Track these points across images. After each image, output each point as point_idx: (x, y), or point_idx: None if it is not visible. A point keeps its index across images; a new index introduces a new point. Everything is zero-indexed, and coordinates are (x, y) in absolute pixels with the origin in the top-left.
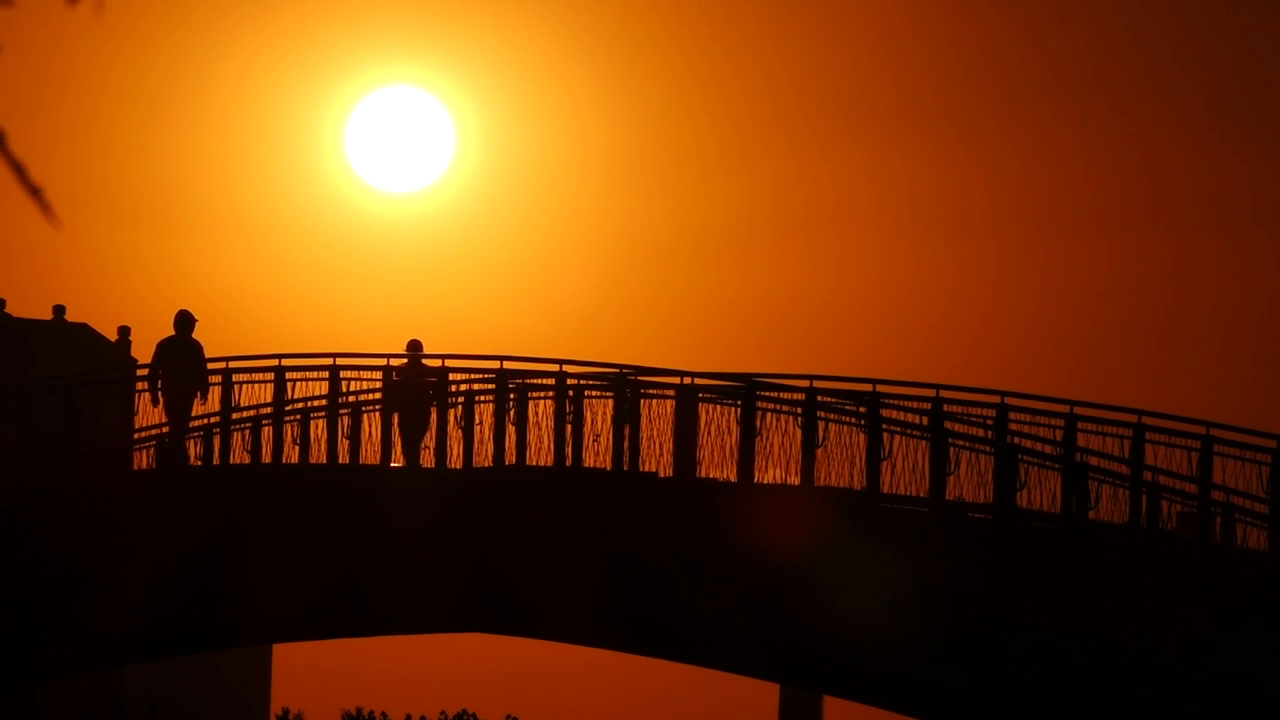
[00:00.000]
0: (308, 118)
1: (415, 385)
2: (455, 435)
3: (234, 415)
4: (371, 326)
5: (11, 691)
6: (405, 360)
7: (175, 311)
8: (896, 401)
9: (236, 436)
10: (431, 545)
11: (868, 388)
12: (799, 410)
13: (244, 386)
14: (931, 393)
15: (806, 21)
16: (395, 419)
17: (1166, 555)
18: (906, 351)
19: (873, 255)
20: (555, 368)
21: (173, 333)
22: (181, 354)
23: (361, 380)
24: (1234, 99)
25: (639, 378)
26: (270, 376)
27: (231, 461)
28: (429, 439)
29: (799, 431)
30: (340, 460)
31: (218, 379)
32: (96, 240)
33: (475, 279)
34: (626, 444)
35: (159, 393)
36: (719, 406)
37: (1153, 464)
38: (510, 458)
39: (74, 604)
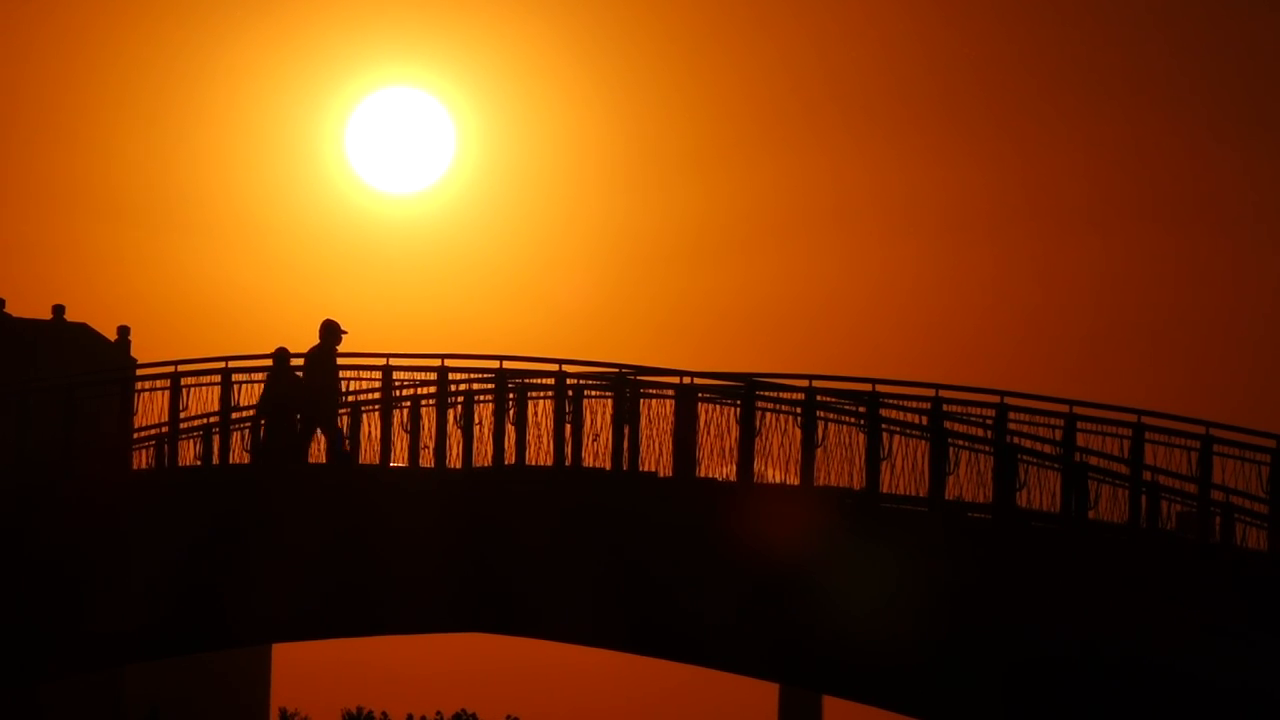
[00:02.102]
0: (308, 118)
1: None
2: (455, 435)
3: (234, 415)
4: (371, 327)
5: (11, 691)
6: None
7: (327, 322)
8: (896, 401)
9: (236, 436)
10: (431, 545)
11: (867, 388)
12: (798, 410)
13: (244, 386)
14: (931, 392)
15: (806, 21)
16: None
17: (1166, 555)
18: (906, 351)
19: (873, 255)
20: (555, 368)
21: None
22: (323, 365)
23: (361, 380)
24: (1234, 99)
25: (638, 378)
26: None
27: (231, 461)
28: (427, 439)
29: (799, 431)
30: None
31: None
32: (96, 240)
33: (475, 279)
34: (626, 444)
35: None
36: (719, 406)
37: (1152, 464)
38: (510, 458)
39: (74, 604)
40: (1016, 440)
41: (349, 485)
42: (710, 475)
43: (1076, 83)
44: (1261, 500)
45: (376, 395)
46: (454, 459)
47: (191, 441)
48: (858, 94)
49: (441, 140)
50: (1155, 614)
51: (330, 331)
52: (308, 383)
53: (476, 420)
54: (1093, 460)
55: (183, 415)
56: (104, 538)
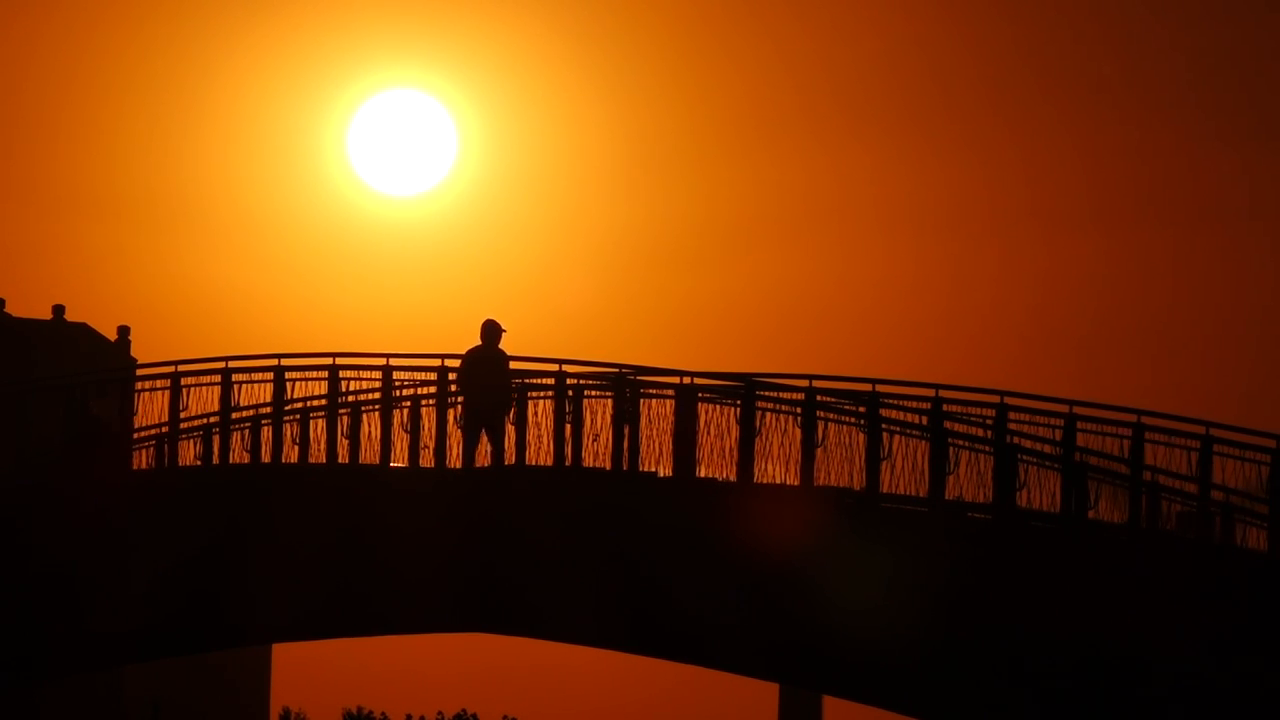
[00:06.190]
0: (311, 120)
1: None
2: (455, 435)
3: (233, 415)
4: (373, 328)
5: (11, 691)
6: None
7: (488, 323)
8: (896, 401)
9: (236, 436)
10: (431, 545)
11: (867, 388)
12: (798, 410)
13: (244, 386)
14: (931, 392)
15: (806, 21)
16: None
17: (1166, 555)
18: (906, 351)
19: (873, 255)
20: (555, 368)
21: (479, 343)
22: (488, 365)
23: (361, 380)
24: (1233, 99)
25: (639, 377)
26: (270, 376)
27: (231, 461)
28: (427, 439)
29: (798, 431)
30: (340, 460)
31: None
32: (96, 240)
33: (476, 280)
34: (626, 444)
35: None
36: (719, 406)
37: (1152, 464)
38: (510, 458)
39: (74, 604)
40: (1016, 440)
41: (349, 485)
42: (710, 475)
43: (1076, 83)
44: (1261, 500)
45: (377, 395)
46: (454, 459)
47: (191, 441)
48: (858, 94)
49: (443, 142)
50: (1155, 614)
51: (492, 331)
52: (470, 384)
53: None
54: (1092, 460)
55: (183, 415)
56: (104, 538)
